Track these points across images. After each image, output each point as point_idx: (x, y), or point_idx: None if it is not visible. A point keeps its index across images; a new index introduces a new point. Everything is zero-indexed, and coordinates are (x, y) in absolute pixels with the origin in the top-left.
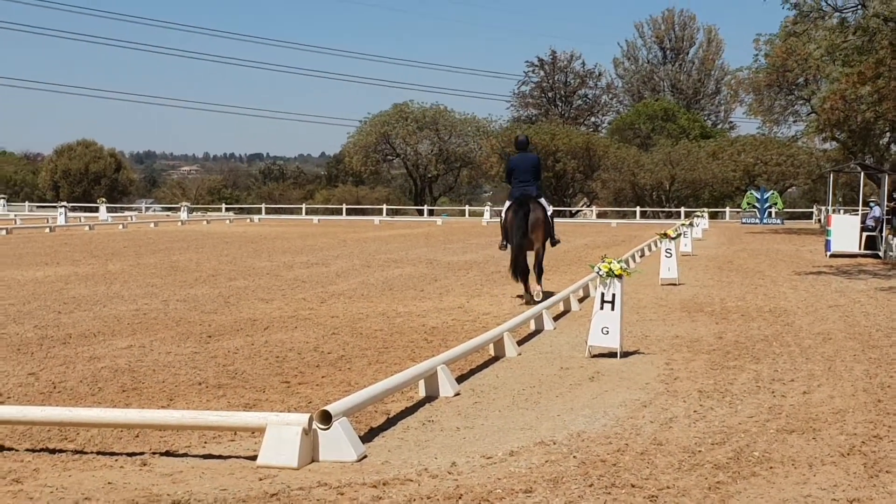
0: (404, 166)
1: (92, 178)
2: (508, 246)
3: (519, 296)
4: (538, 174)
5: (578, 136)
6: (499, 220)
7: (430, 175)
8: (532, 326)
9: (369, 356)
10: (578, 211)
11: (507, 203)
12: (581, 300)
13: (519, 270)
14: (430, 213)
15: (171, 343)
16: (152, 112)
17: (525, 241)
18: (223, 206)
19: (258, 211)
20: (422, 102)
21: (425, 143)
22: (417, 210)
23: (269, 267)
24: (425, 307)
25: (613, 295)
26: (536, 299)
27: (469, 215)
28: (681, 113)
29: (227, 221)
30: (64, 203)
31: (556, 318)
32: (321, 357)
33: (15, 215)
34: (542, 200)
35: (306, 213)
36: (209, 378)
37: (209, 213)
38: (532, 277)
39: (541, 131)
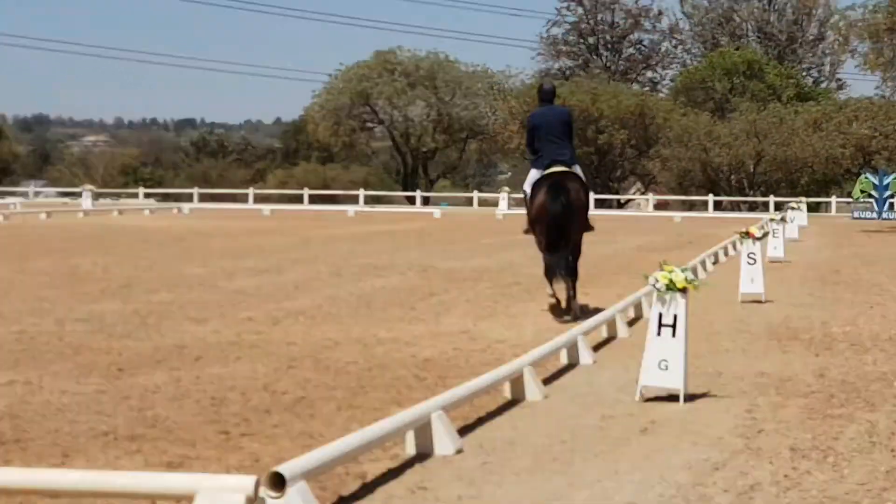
0: (389, 137)
1: None
2: (537, 235)
3: (554, 306)
4: (570, 133)
5: (630, 97)
6: (523, 196)
7: (424, 149)
8: (563, 359)
9: (339, 399)
10: (630, 200)
11: (534, 174)
12: (631, 323)
13: (557, 270)
14: (425, 201)
15: (68, 378)
16: (44, 62)
17: (565, 240)
18: (141, 190)
19: (189, 198)
20: (414, 49)
21: (419, 105)
22: (407, 197)
23: (202, 275)
24: (417, 332)
25: (675, 316)
26: (569, 317)
27: (479, 205)
28: (770, 67)
29: (147, 212)
30: None
31: (595, 348)
32: (273, 399)
33: None
34: (579, 171)
35: (255, 202)
36: (119, 427)
37: (122, 201)
38: (564, 287)
39: (578, 90)
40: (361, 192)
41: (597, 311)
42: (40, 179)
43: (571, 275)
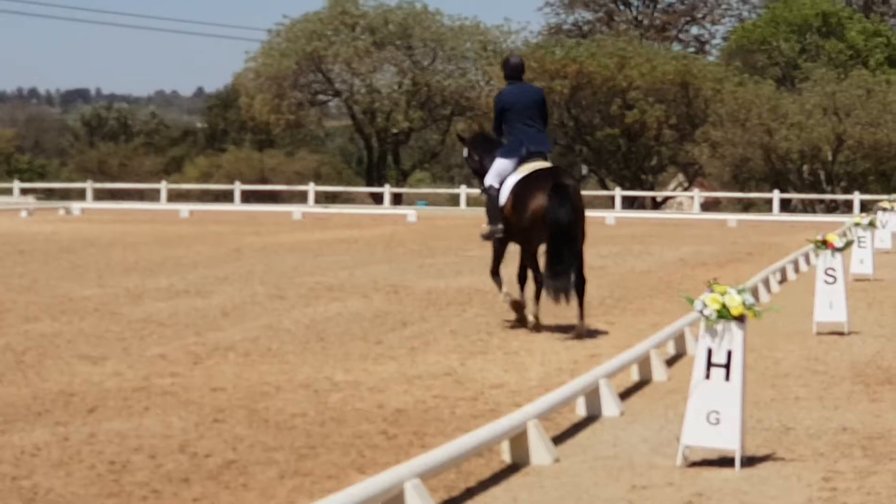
0: (349, 114)
1: None
2: (498, 234)
3: (516, 303)
4: (545, 117)
5: (668, 60)
6: (485, 192)
7: (395, 131)
8: (581, 410)
9: (281, 463)
10: (669, 198)
11: (504, 165)
12: (671, 362)
13: (563, 291)
14: (397, 199)
15: None
16: None
17: (574, 253)
18: (16, 184)
19: (80, 194)
20: None
21: (387, 71)
22: (372, 195)
23: (99, 297)
24: (385, 374)
25: (729, 353)
26: (578, 335)
27: (467, 203)
28: (853, 22)
29: (24, 213)
30: None
31: (623, 395)
32: (193, 464)
33: None
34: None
35: (169, 200)
36: None
37: None
38: (572, 299)
39: (599, 52)
40: (311, 188)
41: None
42: None
43: (580, 288)
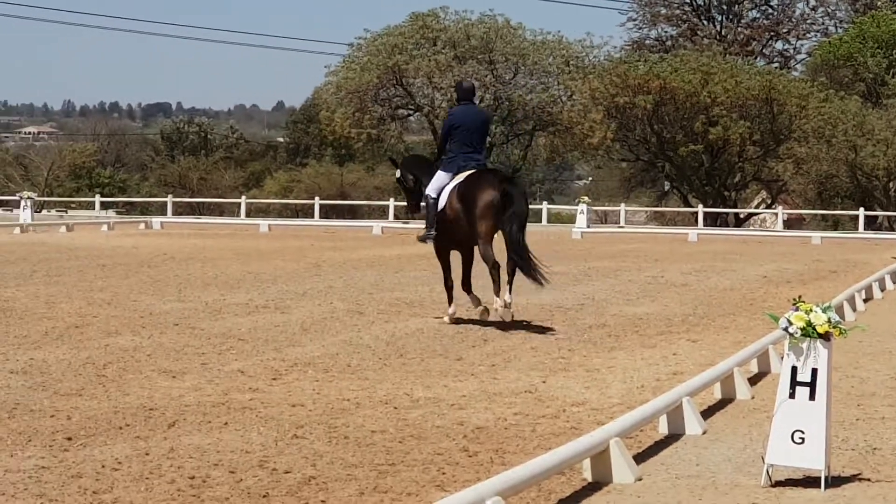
0: (429, 129)
1: None
2: (430, 238)
3: (483, 311)
4: (486, 136)
5: (752, 76)
6: (427, 202)
7: None
8: (663, 428)
9: (360, 480)
10: (752, 215)
11: (442, 178)
12: (754, 380)
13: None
14: None
15: (0, 450)
16: None
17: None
18: (97, 198)
19: (160, 209)
20: (463, 11)
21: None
22: None
23: (178, 311)
24: (466, 391)
25: (814, 371)
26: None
27: (548, 220)
28: None
29: (105, 227)
30: None
31: (706, 413)
32: (272, 480)
33: None
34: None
35: (249, 214)
36: None
37: (72, 212)
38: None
39: (682, 67)
40: (391, 203)
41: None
42: None
43: (532, 269)
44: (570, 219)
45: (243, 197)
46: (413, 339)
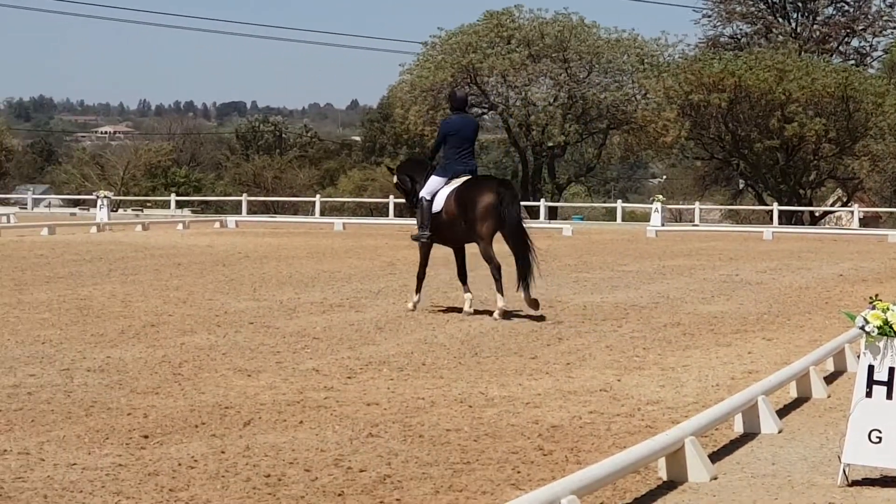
0: (504, 127)
1: None
2: (425, 238)
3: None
4: (474, 145)
5: (828, 73)
6: (421, 204)
7: (551, 144)
8: (738, 427)
9: (435, 478)
10: (827, 213)
11: (437, 182)
12: (830, 379)
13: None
14: (552, 213)
15: (77, 448)
16: (45, 32)
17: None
18: (172, 197)
19: (235, 207)
20: (537, 10)
21: (543, 84)
22: (528, 208)
23: (253, 310)
24: (540, 389)
25: (892, 370)
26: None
27: (623, 218)
28: None
29: (180, 226)
30: None
31: (781, 413)
32: (347, 478)
33: None
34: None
35: (323, 213)
36: None
37: (148, 212)
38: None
39: (757, 65)
40: None
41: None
42: (41, 183)
43: (529, 267)
44: (645, 217)
45: (318, 195)
46: (488, 338)
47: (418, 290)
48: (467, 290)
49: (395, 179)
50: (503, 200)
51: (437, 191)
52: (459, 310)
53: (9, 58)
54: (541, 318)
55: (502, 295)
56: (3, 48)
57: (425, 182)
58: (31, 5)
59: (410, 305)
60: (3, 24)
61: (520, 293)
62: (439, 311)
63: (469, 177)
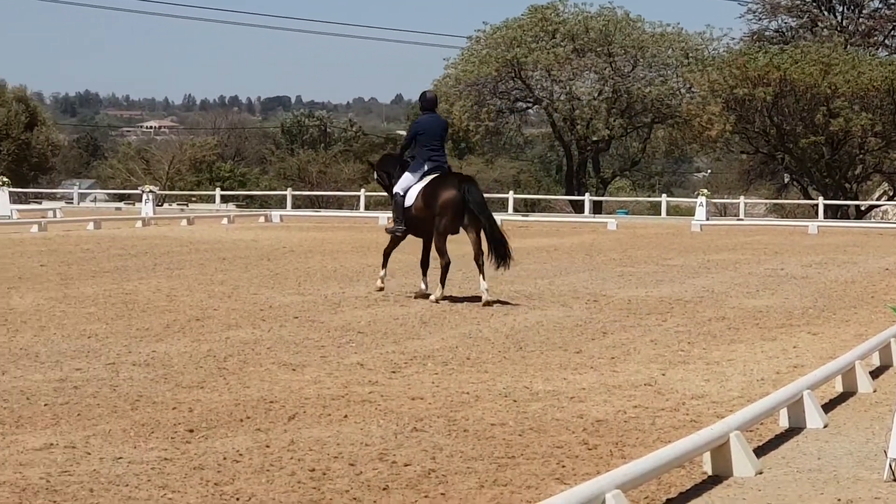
0: (548, 121)
1: None
2: (399, 231)
3: (422, 295)
4: (445, 142)
5: (874, 67)
6: (395, 199)
7: (595, 138)
8: (783, 421)
9: (480, 473)
10: (873, 207)
11: (409, 178)
12: (876, 373)
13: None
14: (597, 207)
15: (123, 442)
16: (91, 27)
17: (489, 230)
18: (217, 192)
19: (280, 202)
20: (582, 4)
21: (588, 78)
22: (572, 202)
23: (298, 304)
24: (585, 384)
25: None
26: (489, 298)
27: (667, 212)
28: None
29: (225, 220)
30: None
31: (827, 407)
32: (392, 472)
33: None
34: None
35: (368, 207)
36: None
37: (193, 206)
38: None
39: (802, 60)
40: (511, 196)
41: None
42: (87, 178)
43: (505, 255)
44: (689, 211)
45: (363, 190)
46: (532, 332)
47: (384, 265)
48: (425, 281)
49: (374, 175)
50: (466, 195)
51: (410, 187)
52: (446, 298)
53: (56, 54)
54: (489, 304)
55: (443, 287)
56: (51, 44)
57: (399, 178)
58: (77, 1)
59: (379, 282)
60: (49, 20)
61: (442, 288)
62: (420, 297)
63: (438, 174)
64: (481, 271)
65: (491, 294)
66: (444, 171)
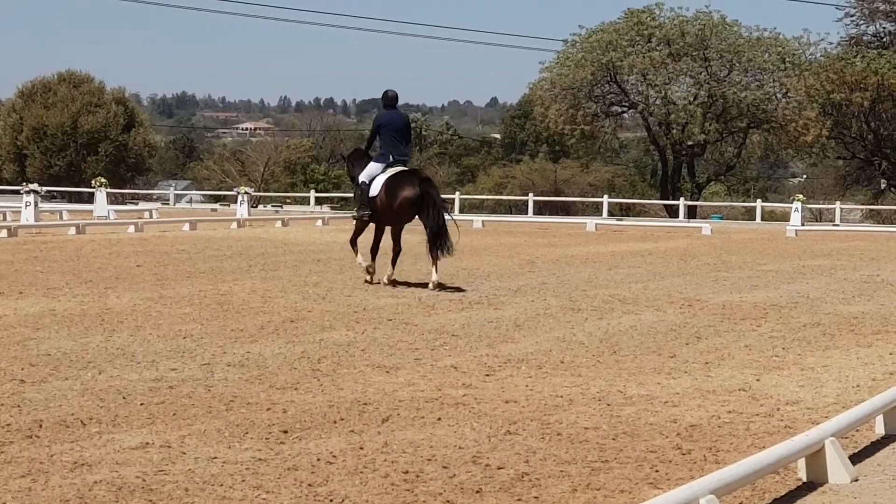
0: (644, 125)
1: (84, 143)
2: (365, 217)
3: (367, 281)
4: (409, 137)
5: None
6: (361, 187)
7: (691, 143)
8: (879, 428)
9: (573, 476)
10: None
11: (375, 168)
12: None
13: (376, 249)
14: (691, 212)
15: (218, 442)
16: (188, 29)
17: (440, 227)
18: (312, 194)
19: None
20: (678, 8)
21: (684, 82)
22: (667, 207)
23: (392, 307)
24: (679, 388)
25: None
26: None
27: (761, 218)
28: None
29: (320, 222)
30: (33, 186)
31: None
32: (486, 475)
33: None
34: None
35: (462, 210)
36: None
37: (287, 208)
38: (388, 264)
39: None
40: (605, 200)
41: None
42: (183, 179)
43: (446, 246)
44: (785, 216)
45: (457, 192)
46: (626, 336)
47: (355, 252)
48: (371, 261)
49: (346, 168)
50: (425, 193)
51: (375, 176)
52: (424, 285)
53: (154, 56)
54: (438, 286)
55: (393, 269)
56: (148, 46)
57: (364, 167)
58: (174, 3)
59: (359, 259)
60: (147, 22)
61: (393, 269)
62: (368, 275)
63: (401, 168)
64: (433, 260)
65: (441, 281)
66: (405, 167)
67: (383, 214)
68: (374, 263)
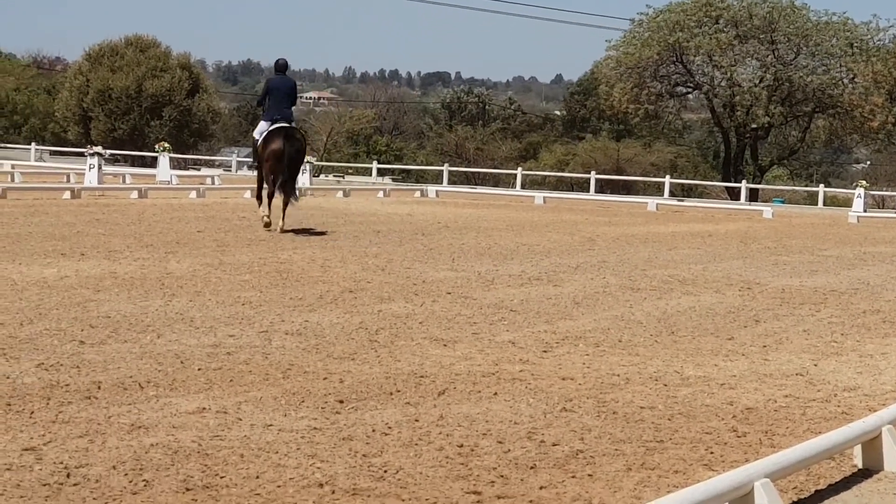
0: (708, 107)
1: (148, 107)
2: (266, 171)
3: (267, 224)
4: (294, 100)
5: None
6: (253, 142)
7: (755, 126)
8: None
9: (628, 455)
10: None
11: (263, 125)
12: None
13: (270, 196)
14: (753, 195)
15: (274, 409)
16: None
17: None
18: (374, 165)
19: (436, 177)
20: None
21: (750, 65)
22: (728, 189)
23: (451, 280)
24: (736, 371)
25: None
26: (278, 230)
27: (824, 203)
28: None
29: (381, 194)
30: (97, 149)
31: None
32: (540, 451)
33: (12, 167)
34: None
35: (524, 186)
36: (338, 477)
37: (349, 178)
38: (279, 209)
39: None
40: (667, 180)
41: (322, 234)
42: (245, 147)
43: (292, 194)
44: (847, 202)
45: (519, 168)
46: (685, 317)
47: (259, 203)
48: (266, 211)
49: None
50: (286, 147)
51: (264, 132)
52: (307, 231)
53: (221, 23)
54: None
55: (283, 218)
56: (215, 14)
57: (256, 125)
58: None
59: (262, 214)
60: None
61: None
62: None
63: (281, 124)
64: (283, 207)
65: (288, 226)
66: (288, 123)
67: (263, 165)
68: (269, 211)
